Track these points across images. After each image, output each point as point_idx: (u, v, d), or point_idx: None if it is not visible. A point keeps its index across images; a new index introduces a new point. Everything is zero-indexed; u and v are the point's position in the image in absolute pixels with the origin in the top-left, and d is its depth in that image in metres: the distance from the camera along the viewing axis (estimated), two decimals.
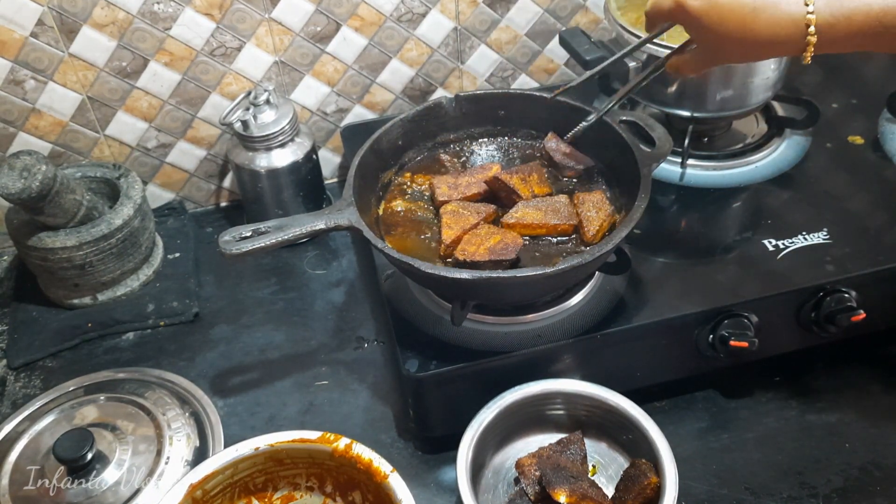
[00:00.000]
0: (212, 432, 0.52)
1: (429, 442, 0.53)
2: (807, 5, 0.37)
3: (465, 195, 0.54)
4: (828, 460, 0.51)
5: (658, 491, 0.44)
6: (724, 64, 0.45)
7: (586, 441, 0.49)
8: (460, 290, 0.48)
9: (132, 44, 0.62)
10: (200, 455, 0.50)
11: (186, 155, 0.70)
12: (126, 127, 0.66)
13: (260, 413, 0.55)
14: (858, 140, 0.64)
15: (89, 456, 0.47)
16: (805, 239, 0.55)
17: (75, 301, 0.62)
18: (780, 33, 0.37)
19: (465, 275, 0.45)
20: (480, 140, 0.60)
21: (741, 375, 0.56)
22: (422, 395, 0.50)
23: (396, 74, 0.70)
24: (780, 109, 0.67)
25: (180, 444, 0.50)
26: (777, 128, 0.65)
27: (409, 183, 0.58)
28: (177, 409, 0.53)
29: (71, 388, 0.56)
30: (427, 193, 0.56)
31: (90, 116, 0.65)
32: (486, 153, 0.59)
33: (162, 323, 0.62)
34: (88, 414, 0.52)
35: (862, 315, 0.51)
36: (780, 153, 0.63)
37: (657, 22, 0.45)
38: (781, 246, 0.54)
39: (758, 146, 0.64)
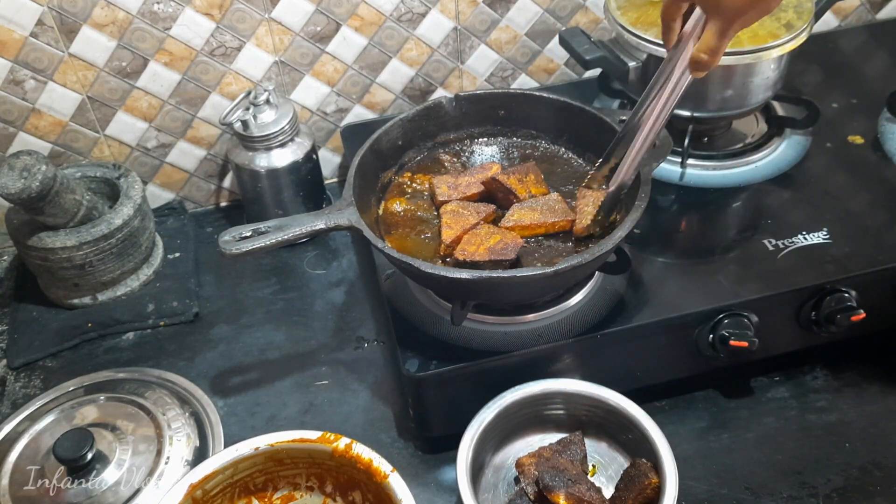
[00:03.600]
0: (212, 432, 0.52)
1: (429, 442, 0.53)
2: None
3: (465, 195, 0.54)
4: (828, 460, 0.50)
5: (658, 491, 0.44)
6: (741, 24, 0.40)
7: (586, 441, 0.49)
8: (460, 289, 0.48)
9: (132, 44, 0.62)
10: (200, 455, 0.50)
11: (186, 155, 0.70)
12: (126, 127, 0.66)
13: (260, 413, 0.55)
14: (858, 140, 0.64)
15: (89, 456, 0.47)
16: (805, 239, 0.55)
17: (75, 301, 0.62)
18: None
19: (464, 275, 0.44)
20: (480, 140, 0.60)
21: (741, 375, 0.56)
22: (422, 395, 0.50)
23: (396, 74, 0.70)
24: (780, 109, 0.67)
25: (180, 443, 0.50)
26: (777, 127, 0.65)
27: (409, 183, 0.58)
28: (177, 409, 0.53)
29: (71, 388, 0.56)
30: (427, 193, 0.56)
31: (90, 116, 0.65)
32: (486, 153, 0.59)
33: (162, 323, 0.62)
34: (88, 414, 0.52)
35: (862, 315, 0.51)
36: (781, 153, 0.63)
37: (673, 16, 0.43)
38: (781, 245, 0.54)
39: (758, 146, 0.63)
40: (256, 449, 0.44)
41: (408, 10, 0.66)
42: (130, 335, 0.61)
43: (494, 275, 0.45)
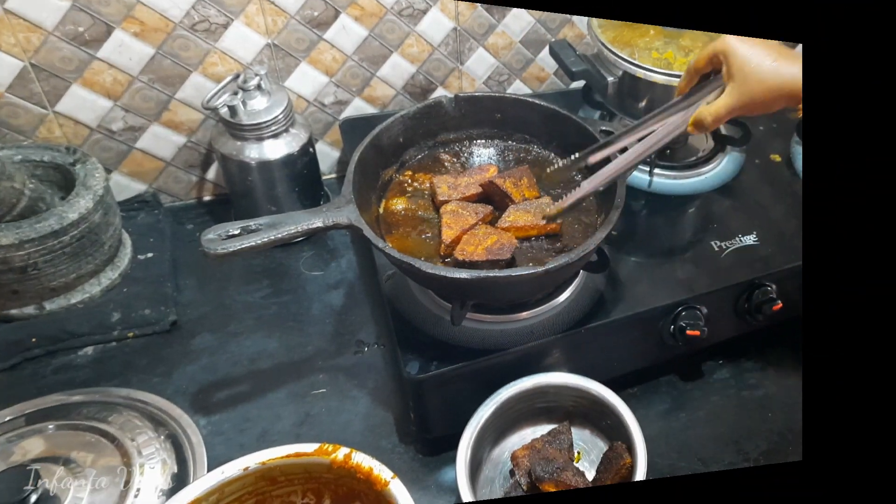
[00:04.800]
0: (192, 455, 0.35)
1: (429, 444, 0.40)
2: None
3: (464, 195, 0.42)
4: (757, 428, 0.46)
5: (631, 469, 0.38)
6: (745, 112, 0.37)
7: (572, 429, 0.41)
8: (461, 289, 0.37)
9: (91, 6, 0.39)
10: (179, 482, 0.33)
11: (162, 141, 0.48)
12: (84, 104, 0.43)
13: (250, 429, 0.39)
14: (777, 158, 0.60)
15: (33, 498, 0.29)
16: (741, 241, 0.50)
17: (14, 312, 0.40)
18: (791, 87, 0.35)
19: (464, 274, 0.34)
20: (478, 141, 0.46)
21: (695, 361, 0.50)
22: (423, 396, 0.38)
23: (397, 69, 0.52)
24: (723, 128, 0.60)
25: (153, 471, 0.33)
26: (721, 144, 0.59)
27: (409, 181, 0.43)
28: (149, 433, 0.35)
29: (8, 419, 0.35)
30: (427, 192, 0.42)
31: (34, 88, 0.42)
32: (483, 155, 0.46)
33: (130, 334, 0.41)
34: (32, 447, 0.33)
35: (779, 304, 0.46)
36: (723, 167, 0.57)
37: (699, 71, 0.38)
38: (724, 246, 0.49)
39: (707, 159, 0.57)
40: (246, 469, 0.29)
41: (408, 4, 0.49)
42: (89, 350, 0.40)
43: (492, 274, 0.35)
